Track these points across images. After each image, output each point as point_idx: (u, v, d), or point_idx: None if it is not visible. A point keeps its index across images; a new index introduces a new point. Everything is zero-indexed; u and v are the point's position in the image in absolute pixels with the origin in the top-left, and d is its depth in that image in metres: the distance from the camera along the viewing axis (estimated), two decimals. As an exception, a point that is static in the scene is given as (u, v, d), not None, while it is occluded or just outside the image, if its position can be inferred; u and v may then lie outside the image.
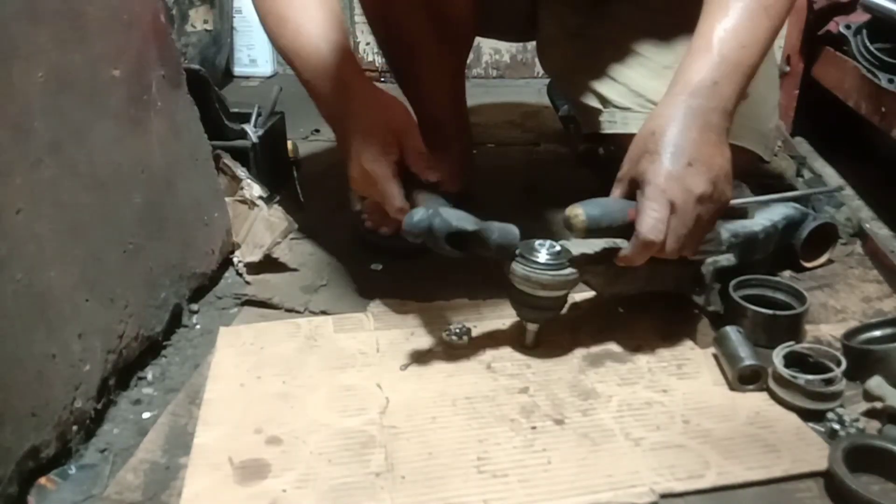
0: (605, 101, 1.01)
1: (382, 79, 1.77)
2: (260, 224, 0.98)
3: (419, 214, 0.71)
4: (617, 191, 0.77)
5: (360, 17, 1.08)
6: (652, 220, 0.70)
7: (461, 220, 0.72)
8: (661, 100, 0.76)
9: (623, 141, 1.05)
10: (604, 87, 1.01)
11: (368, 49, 1.85)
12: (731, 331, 0.76)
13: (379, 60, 1.82)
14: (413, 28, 0.98)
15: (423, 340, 0.81)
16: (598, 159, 1.30)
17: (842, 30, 1.15)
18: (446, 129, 1.11)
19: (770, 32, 0.76)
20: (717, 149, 0.73)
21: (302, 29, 0.84)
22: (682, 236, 0.72)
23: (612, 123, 1.02)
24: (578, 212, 0.74)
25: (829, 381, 0.72)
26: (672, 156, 0.71)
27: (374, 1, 1.02)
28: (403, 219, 0.72)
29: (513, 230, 0.76)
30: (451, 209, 0.73)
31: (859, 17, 1.15)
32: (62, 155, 0.66)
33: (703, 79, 0.73)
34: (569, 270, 0.75)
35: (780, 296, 0.84)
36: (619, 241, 0.74)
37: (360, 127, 0.81)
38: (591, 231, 0.74)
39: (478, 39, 1.85)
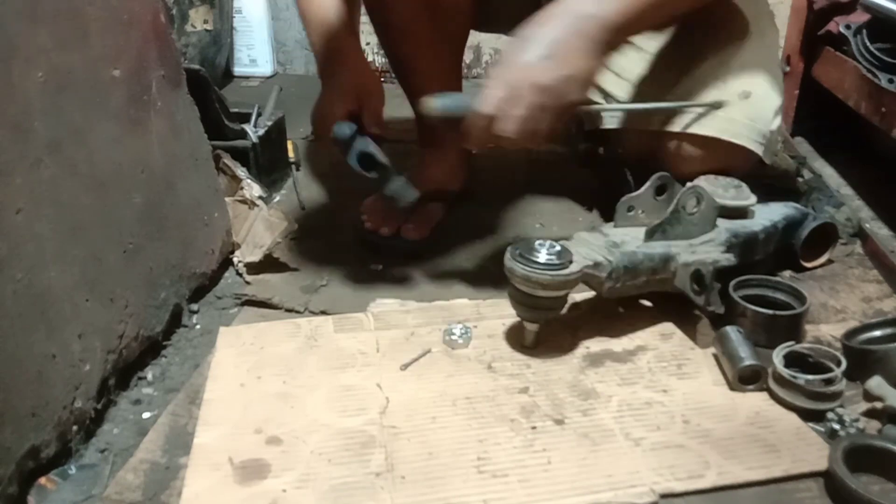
0: (607, 96, 1.01)
1: (383, 79, 1.77)
2: (260, 224, 0.98)
3: (346, 127, 0.87)
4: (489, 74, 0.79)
5: (363, 18, 1.08)
6: (486, 95, 0.74)
7: (378, 151, 0.89)
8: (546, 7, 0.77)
9: (624, 138, 1.05)
10: (607, 83, 1.01)
11: (368, 49, 1.85)
12: (731, 331, 0.76)
13: (380, 60, 1.82)
14: (409, 17, 0.98)
15: (423, 340, 0.81)
16: (598, 159, 1.30)
17: (842, 30, 1.15)
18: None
19: None
20: (581, 54, 0.74)
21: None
22: (515, 119, 0.73)
23: (614, 118, 1.03)
24: (431, 101, 0.78)
25: (829, 381, 0.72)
26: (530, 47, 0.74)
27: None
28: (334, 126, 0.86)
29: (411, 193, 0.91)
30: (374, 142, 0.89)
31: (859, 17, 1.15)
32: (62, 155, 0.66)
33: None
34: (569, 270, 0.75)
35: (780, 296, 0.84)
36: None
37: (335, 82, 0.94)
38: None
39: (478, 39, 1.86)
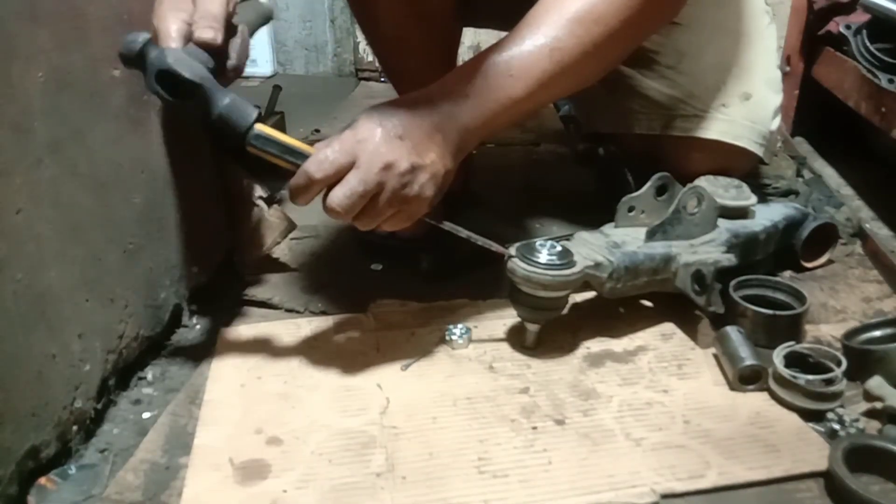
0: None
1: (382, 79, 1.77)
2: (260, 224, 0.98)
3: (137, 37, 0.66)
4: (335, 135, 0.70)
5: (357, 24, 1.08)
6: (322, 155, 0.65)
7: (182, 63, 0.65)
8: (420, 90, 0.73)
9: (624, 140, 1.05)
10: (603, 85, 1.01)
11: (369, 50, 1.85)
12: (732, 331, 0.76)
13: (378, 62, 1.82)
14: (395, 20, 0.98)
15: (424, 340, 0.81)
16: (598, 159, 1.30)
17: (842, 30, 1.15)
18: None
19: (548, 75, 0.73)
20: (438, 149, 0.70)
21: None
22: (349, 194, 0.65)
23: (613, 122, 1.02)
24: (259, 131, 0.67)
25: (830, 382, 0.72)
26: (389, 121, 0.67)
27: None
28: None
29: (248, 111, 0.67)
30: (186, 56, 0.66)
31: (859, 17, 1.15)
32: (62, 155, 0.66)
33: (460, 88, 0.72)
34: (570, 271, 0.75)
35: (781, 296, 0.84)
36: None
37: None
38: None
39: (477, 39, 1.86)
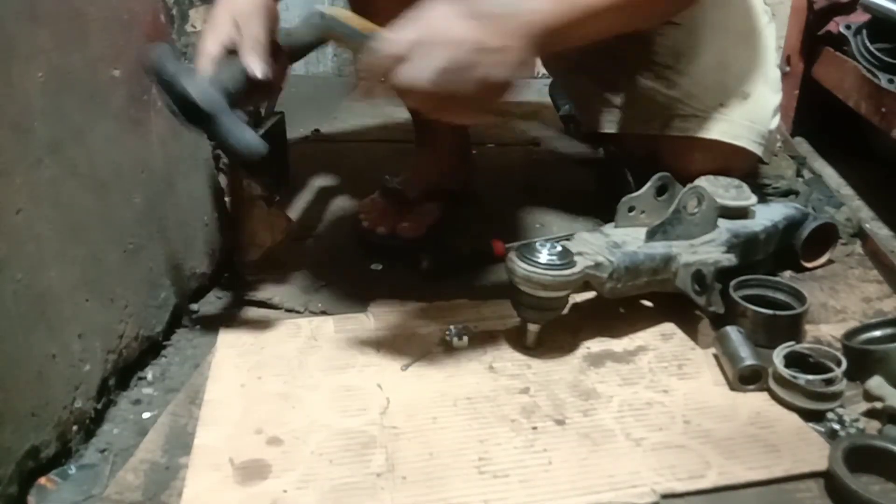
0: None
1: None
2: (260, 224, 0.98)
3: (159, 51, 0.68)
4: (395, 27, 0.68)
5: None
6: (393, 37, 0.64)
7: (205, 94, 0.67)
8: None
9: (624, 140, 1.05)
10: (603, 86, 1.01)
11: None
12: (732, 331, 0.76)
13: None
14: (393, 15, 0.98)
15: (424, 341, 0.81)
16: (598, 159, 1.30)
17: (842, 30, 1.15)
18: (439, 124, 1.10)
19: (599, 9, 0.71)
20: (514, 34, 0.66)
21: None
22: (431, 68, 0.63)
23: (613, 122, 1.02)
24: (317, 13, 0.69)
25: (830, 382, 0.72)
26: (461, 4, 0.65)
27: None
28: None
29: (257, 145, 0.68)
30: (207, 84, 0.68)
31: (859, 17, 1.15)
32: (62, 155, 0.66)
33: None
34: (570, 271, 0.75)
35: (781, 296, 0.84)
36: None
37: (214, 11, 0.78)
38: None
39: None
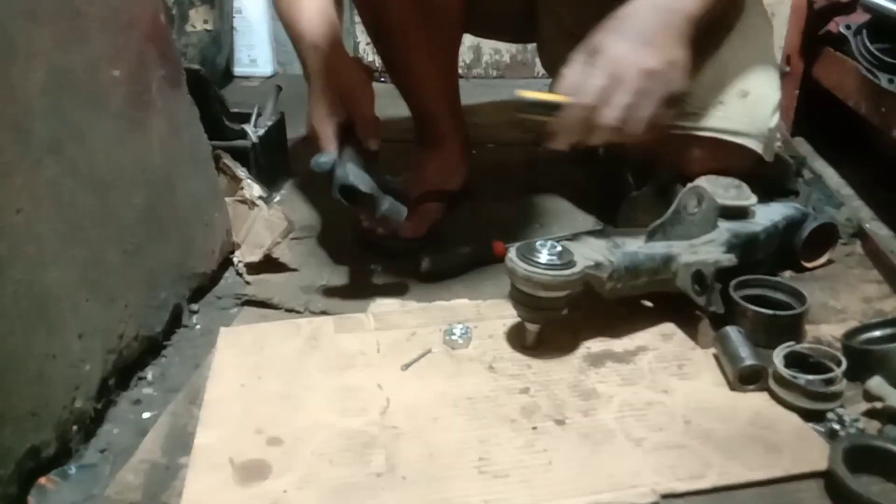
0: None
1: (382, 79, 1.77)
2: (260, 224, 0.98)
3: (326, 157, 0.83)
4: (576, 62, 0.77)
5: (360, 19, 1.08)
6: (591, 86, 0.73)
7: (359, 178, 0.83)
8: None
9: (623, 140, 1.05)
10: None
11: (369, 49, 1.85)
12: (732, 331, 0.76)
13: (379, 61, 1.82)
14: (400, 15, 0.98)
15: (424, 341, 0.81)
16: (598, 159, 1.30)
17: (842, 30, 1.15)
18: (440, 123, 1.11)
19: None
20: (675, 43, 0.76)
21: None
22: (625, 106, 0.73)
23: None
24: (523, 93, 0.77)
25: (830, 382, 0.72)
26: (630, 34, 0.75)
27: None
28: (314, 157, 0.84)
29: (401, 209, 0.86)
30: (358, 169, 0.84)
31: (859, 17, 1.15)
32: (62, 155, 0.66)
33: None
34: (570, 271, 0.75)
35: (781, 296, 0.84)
36: None
37: (316, 87, 0.91)
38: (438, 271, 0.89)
39: (478, 39, 1.86)
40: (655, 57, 0.74)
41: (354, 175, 0.83)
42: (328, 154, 0.85)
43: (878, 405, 0.70)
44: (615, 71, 0.73)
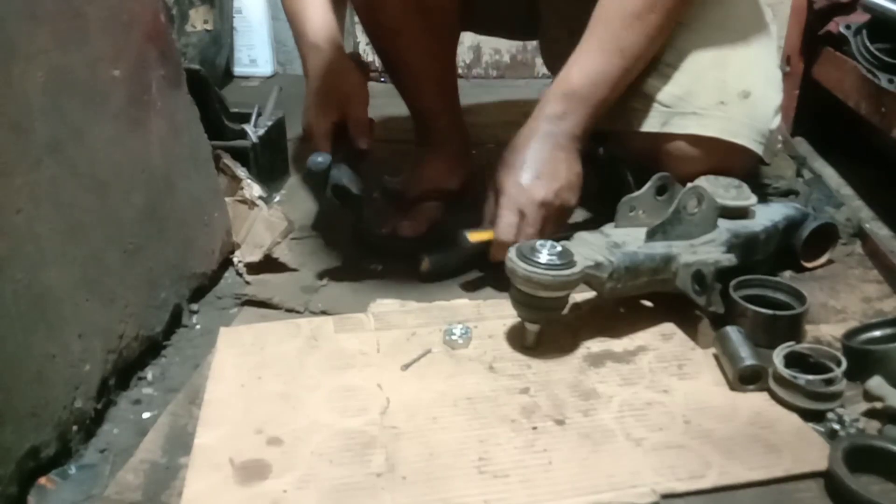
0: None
1: (382, 79, 1.77)
2: (260, 224, 0.98)
3: (322, 157, 0.89)
4: (490, 196, 0.90)
5: (358, 19, 1.09)
6: (504, 225, 0.86)
7: (351, 181, 0.90)
8: (525, 124, 0.90)
9: (624, 139, 1.05)
10: None
11: (369, 49, 1.85)
12: (732, 331, 0.76)
13: (378, 61, 1.82)
14: (397, 15, 0.99)
15: (424, 341, 0.81)
16: (598, 159, 1.29)
17: (842, 30, 1.15)
18: (439, 123, 1.11)
19: (624, 71, 0.89)
20: (564, 164, 0.88)
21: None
22: (531, 235, 0.84)
23: (613, 121, 1.02)
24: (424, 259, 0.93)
25: (830, 382, 0.72)
26: (522, 170, 0.87)
27: None
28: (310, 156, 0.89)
29: (379, 222, 0.98)
30: (352, 171, 0.92)
31: (859, 17, 1.15)
32: (62, 155, 0.66)
33: (553, 110, 0.89)
34: (570, 271, 0.75)
35: (781, 296, 0.84)
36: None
37: (314, 87, 0.97)
38: (438, 271, 0.94)
39: (478, 39, 1.86)
40: (547, 187, 0.86)
41: (348, 177, 0.90)
42: (324, 154, 0.89)
43: (878, 405, 0.70)
44: (519, 207, 0.85)
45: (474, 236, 0.89)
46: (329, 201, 0.91)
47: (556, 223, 0.88)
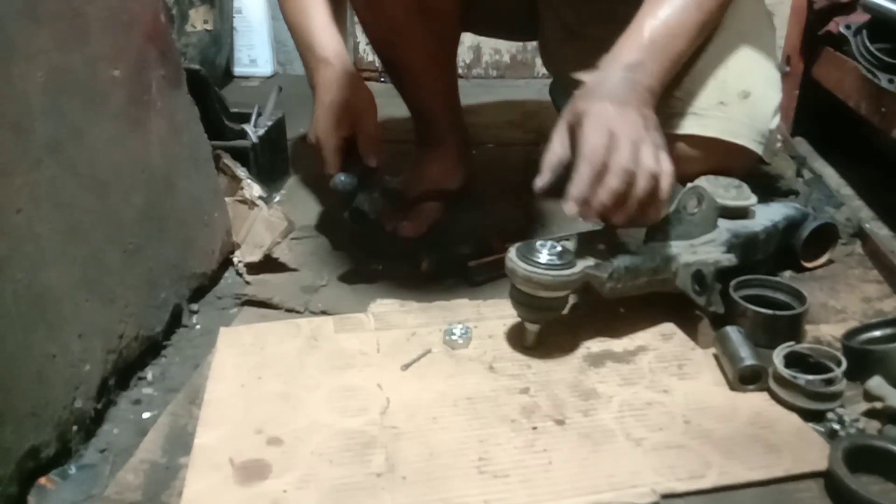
0: None
1: (382, 79, 1.77)
2: (260, 224, 0.98)
3: (347, 178, 0.90)
4: (557, 134, 0.79)
5: (358, 20, 1.08)
6: (591, 147, 0.73)
7: (371, 206, 0.92)
8: (595, 72, 0.82)
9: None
10: None
11: (369, 49, 1.86)
12: (732, 331, 0.76)
13: (378, 61, 1.82)
14: (397, 15, 0.98)
15: (424, 341, 0.81)
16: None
17: (842, 30, 1.15)
18: (439, 123, 1.11)
19: (700, 25, 0.85)
20: (647, 108, 0.80)
21: (302, 6, 1.00)
22: (622, 168, 0.72)
23: None
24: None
25: (830, 382, 0.72)
26: (607, 97, 0.77)
27: None
28: (335, 175, 0.91)
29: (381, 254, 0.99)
30: (370, 196, 0.93)
31: (859, 17, 1.15)
32: (62, 155, 0.66)
33: (632, 58, 0.82)
34: (570, 271, 0.75)
35: (781, 296, 0.84)
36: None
37: (324, 100, 0.94)
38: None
39: (478, 39, 1.86)
40: (636, 114, 0.77)
41: (370, 203, 0.91)
42: (349, 176, 0.90)
43: (878, 405, 0.70)
44: (608, 128, 0.74)
45: (479, 262, 0.92)
46: (345, 220, 0.92)
47: (651, 148, 0.75)
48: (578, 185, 0.73)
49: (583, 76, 0.82)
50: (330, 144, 0.93)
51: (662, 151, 0.76)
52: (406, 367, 0.77)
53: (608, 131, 0.74)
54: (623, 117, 0.75)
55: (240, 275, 0.95)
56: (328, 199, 1.18)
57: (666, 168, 0.75)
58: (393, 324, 0.84)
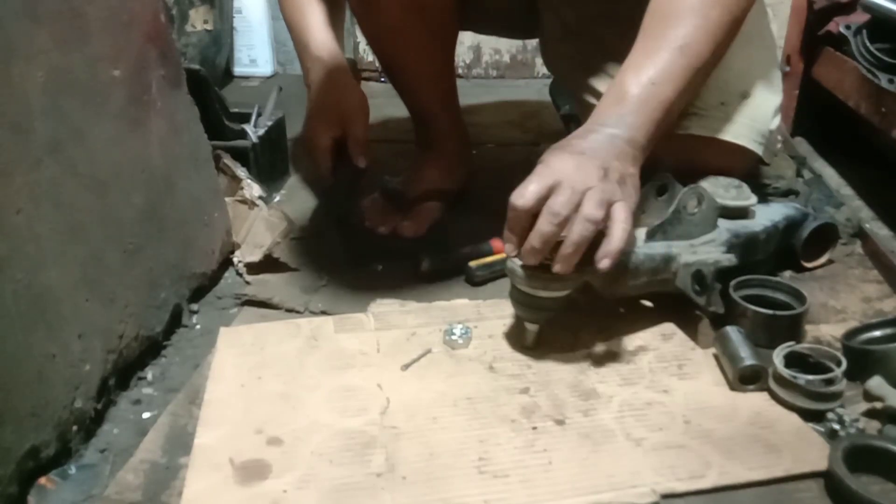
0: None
1: (382, 79, 1.77)
2: (260, 224, 0.98)
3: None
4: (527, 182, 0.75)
5: (356, 20, 1.09)
6: (524, 188, 0.71)
7: (354, 207, 1.00)
8: (579, 128, 0.80)
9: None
10: (606, 86, 1.01)
11: (369, 49, 1.85)
12: (732, 331, 0.76)
13: (378, 61, 1.82)
14: (395, 14, 0.99)
15: (424, 341, 0.81)
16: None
17: (842, 30, 1.15)
18: (439, 123, 1.11)
19: (686, 70, 0.80)
20: (619, 161, 0.75)
21: (299, 4, 1.02)
22: (560, 205, 0.69)
23: None
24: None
25: (830, 382, 0.72)
26: (571, 149, 0.75)
27: None
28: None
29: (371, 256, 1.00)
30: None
31: (859, 17, 1.15)
32: (62, 155, 0.66)
33: (612, 112, 0.79)
34: (570, 271, 0.74)
35: (781, 296, 0.84)
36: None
37: (317, 101, 0.98)
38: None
39: (478, 39, 1.86)
40: (597, 168, 0.72)
41: (349, 204, 0.99)
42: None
43: (878, 405, 0.70)
44: (552, 179, 0.71)
45: (480, 261, 0.93)
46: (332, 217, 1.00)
47: (594, 219, 0.69)
48: (507, 226, 0.73)
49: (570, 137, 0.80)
50: (319, 145, 0.96)
51: (619, 202, 0.71)
52: (406, 367, 0.77)
53: (553, 180, 0.71)
54: (577, 168, 0.72)
55: (240, 275, 0.95)
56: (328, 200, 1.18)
57: (618, 216, 0.71)
58: (393, 324, 0.84)
